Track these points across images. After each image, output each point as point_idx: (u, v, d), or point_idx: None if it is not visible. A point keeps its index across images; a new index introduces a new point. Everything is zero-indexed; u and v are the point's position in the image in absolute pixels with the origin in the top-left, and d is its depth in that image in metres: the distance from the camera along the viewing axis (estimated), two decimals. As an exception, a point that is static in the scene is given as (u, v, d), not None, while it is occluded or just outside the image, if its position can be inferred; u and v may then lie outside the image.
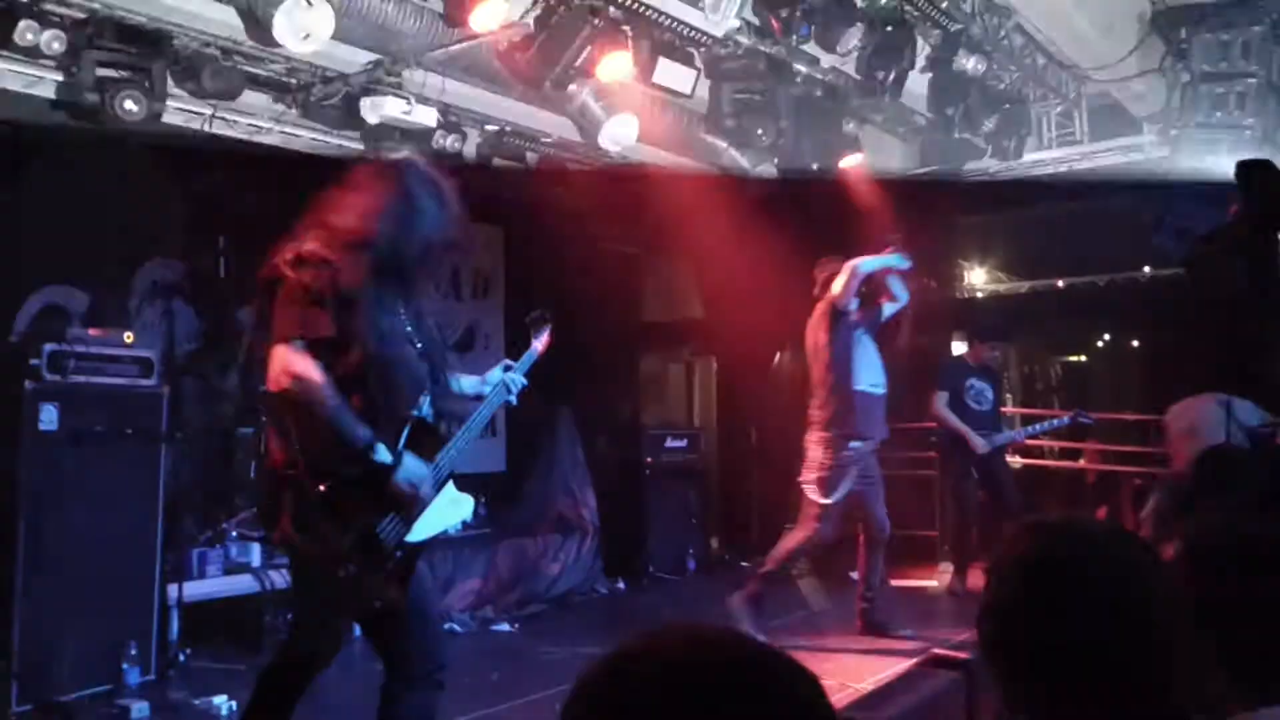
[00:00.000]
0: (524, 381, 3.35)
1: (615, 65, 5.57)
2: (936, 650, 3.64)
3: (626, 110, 6.17)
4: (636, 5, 5.10)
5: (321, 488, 2.63)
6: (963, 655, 3.21)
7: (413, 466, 2.76)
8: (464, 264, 8.63)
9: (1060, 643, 1.25)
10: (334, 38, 4.83)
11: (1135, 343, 11.54)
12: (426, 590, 2.98)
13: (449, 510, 2.96)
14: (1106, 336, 11.91)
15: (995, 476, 7.00)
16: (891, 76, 5.93)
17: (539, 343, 3.53)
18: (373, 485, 2.70)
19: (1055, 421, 7.52)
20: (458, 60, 5.62)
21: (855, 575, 7.87)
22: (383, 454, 2.69)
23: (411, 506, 2.79)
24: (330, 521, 2.64)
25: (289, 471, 2.70)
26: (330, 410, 2.63)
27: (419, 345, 2.91)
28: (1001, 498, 6.99)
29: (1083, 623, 1.24)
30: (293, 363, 2.60)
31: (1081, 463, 8.49)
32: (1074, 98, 7.13)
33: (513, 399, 3.34)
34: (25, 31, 5.08)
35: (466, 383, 3.27)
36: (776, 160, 7.57)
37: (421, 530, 2.85)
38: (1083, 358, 12.54)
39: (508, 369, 3.32)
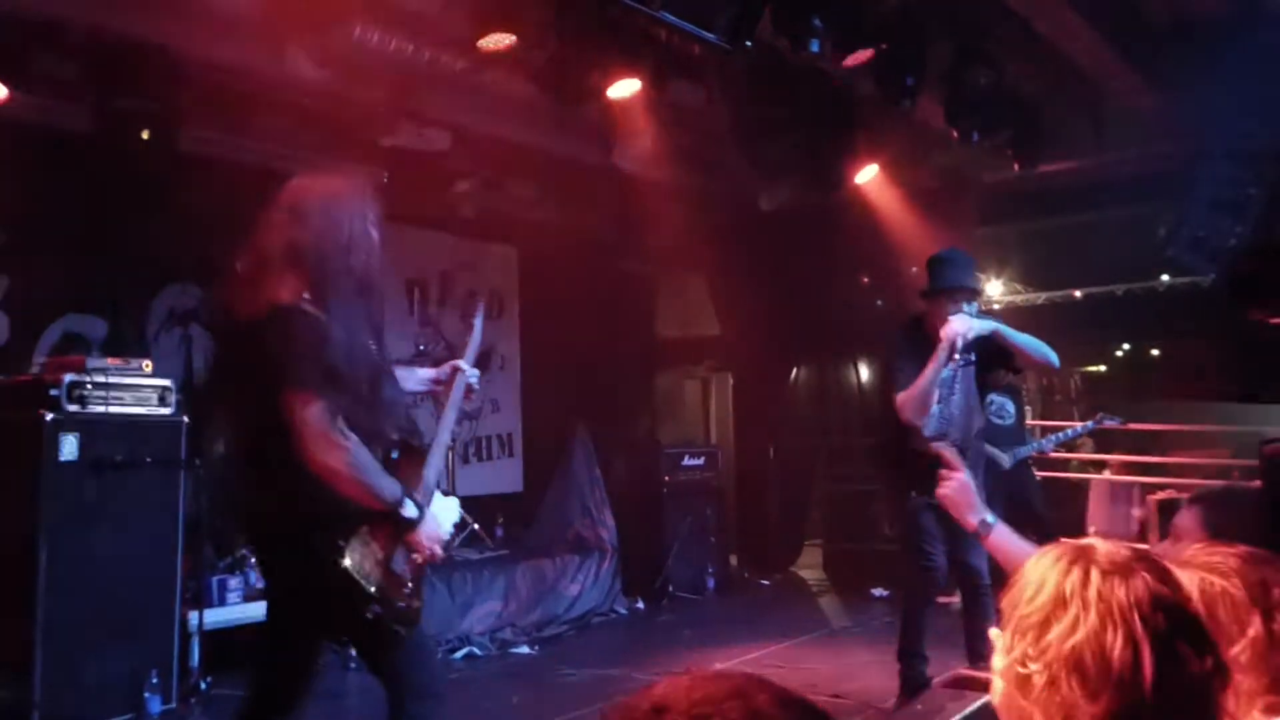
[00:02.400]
0: (477, 373, 3.30)
1: (627, 83, 5.59)
2: (962, 670, 3.60)
3: (640, 127, 6.18)
4: (649, 23, 5.11)
5: (340, 542, 2.62)
6: (988, 675, 3.16)
7: (434, 521, 2.79)
8: (479, 284, 8.66)
9: None
10: (349, 66, 4.86)
11: (1155, 352, 11.47)
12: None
13: (442, 520, 2.94)
14: (1125, 346, 11.84)
15: (1021, 490, 6.89)
16: (907, 89, 5.91)
17: (478, 324, 3.44)
18: (382, 523, 2.70)
19: (1079, 428, 7.38)
20: (469, 85, 5.64)
21: (878, 592, 7.85)
22: (410, 509, 2.70)
23: (426, 549, 2.81)
24: (351, 571, 2.63)
25: (295, 524, 2.69)
26: (363, 472, 2.60)
27: (385, 359, 2.91)
28: (1029, 511, 6.88)
29: None
30: (326, 431, 2.55)
31: (1106, 474, 8.41)
32: (1092, 106, 7.10)
33: (475, 387, 3.29)
34: (44, 61, 5.15)
35: (414, 380, 3.26)
36: (791, 175, 7.58)
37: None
38: (1102, 368, 12.47)
39: (456, 369, 3.25)
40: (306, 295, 2.71)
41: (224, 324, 2.81)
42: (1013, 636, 1.30)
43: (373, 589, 2.65)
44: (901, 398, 4.34)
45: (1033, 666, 1.25)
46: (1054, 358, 4.48)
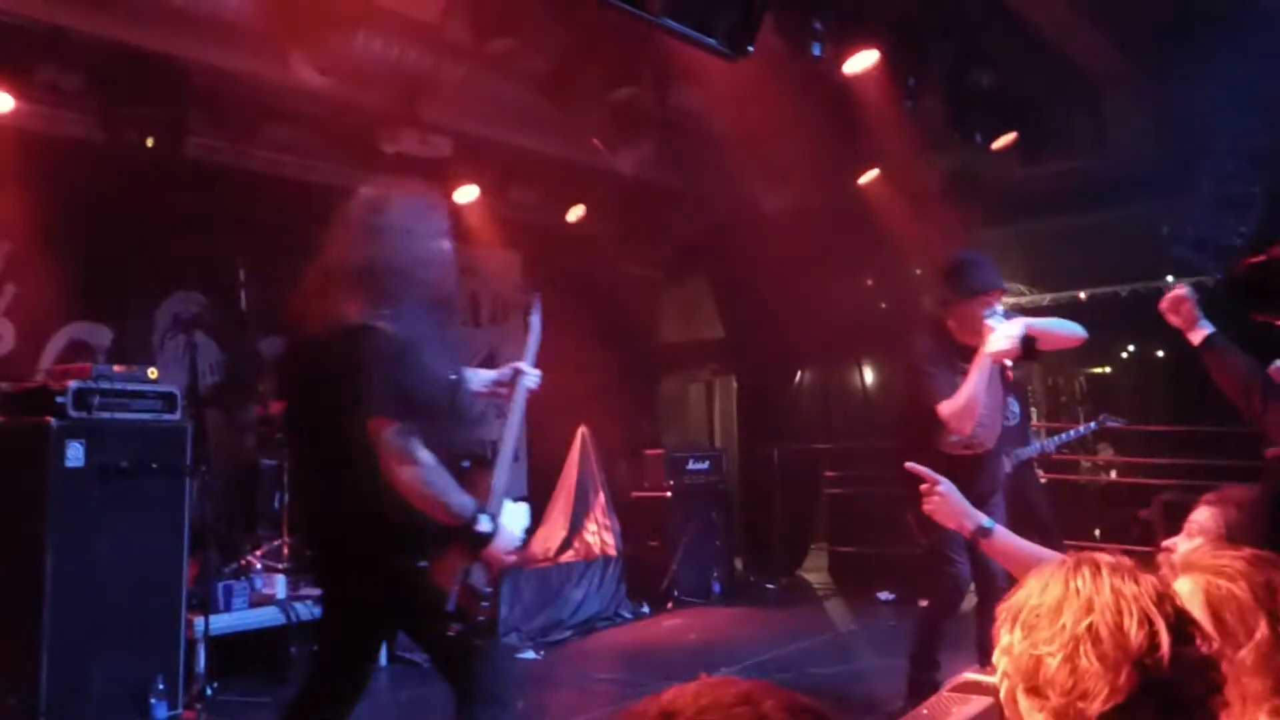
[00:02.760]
0: (539, 374, 3.29)
1: (628, 89, 5.61)
2: (968, 674, 3.59)
3: (644, 132, 6.19)
4: (650, 29, 5.12)
5: (420, 561, 2.65)
6: (995, 679, 3.15)
7: (508, 534, 2.80)
8: (482, 290, 8.68)
9: None
10: (352, 73, 4.87)
11: (1160, 353, 11.42)
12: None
13: (514, 528, 2.94)
14: (1131, 347, 11.81)
15: (1023, 492, 6.82)
16: (908, 90, 5.92)
17: (536, 320, 3.46)
18: (458, 538, 2.71)
19: (1081, 429, 7.32)
20: (471, 91, 5.66)
21: (884, 595, 7.83)
22: (485, 524, 2.71)
23: (501, 561, 2.81)
24: (432, 590, 2.67)
25: (373, 542, 2.71)
26: (440, 490, 2.62)
27: (455, 373, 2.91)
28: (1032, 513, 6.82)
29: None
30: (402, 450, 2.57)
31: (1113, 475, 8.39)
32: (1093, 105, 7.10)
33: (535, 388, 3.28)
34: (48, 70, 5.17)
35: (475, 382, 3.25)
36: (793, 177, 7.58)
37: None
38: (1107, 369, 12.44)
39: (517, 371, 3.25)
40: (383, 310, 2.68)
41: (291, 339, 2.80)
42: (1021, 629, 1.31)
43: (453, 607, 2.67)
44: (947, 409, 4.21)
45: (1045, 649, 1.27)
46: (1080, 330, 4.36)
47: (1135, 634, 1.22)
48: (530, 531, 8.10)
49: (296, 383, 2.89)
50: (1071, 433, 7.23)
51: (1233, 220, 6.38)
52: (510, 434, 3.13)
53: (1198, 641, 1.25)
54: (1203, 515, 2.21)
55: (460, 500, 2.66)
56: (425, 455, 2.60)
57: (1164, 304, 3.76)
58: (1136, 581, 1.27)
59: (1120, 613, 1.23)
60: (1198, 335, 3.71)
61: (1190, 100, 6.26)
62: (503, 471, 2.94)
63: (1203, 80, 5.87)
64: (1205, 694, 1.23)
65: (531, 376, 3.25)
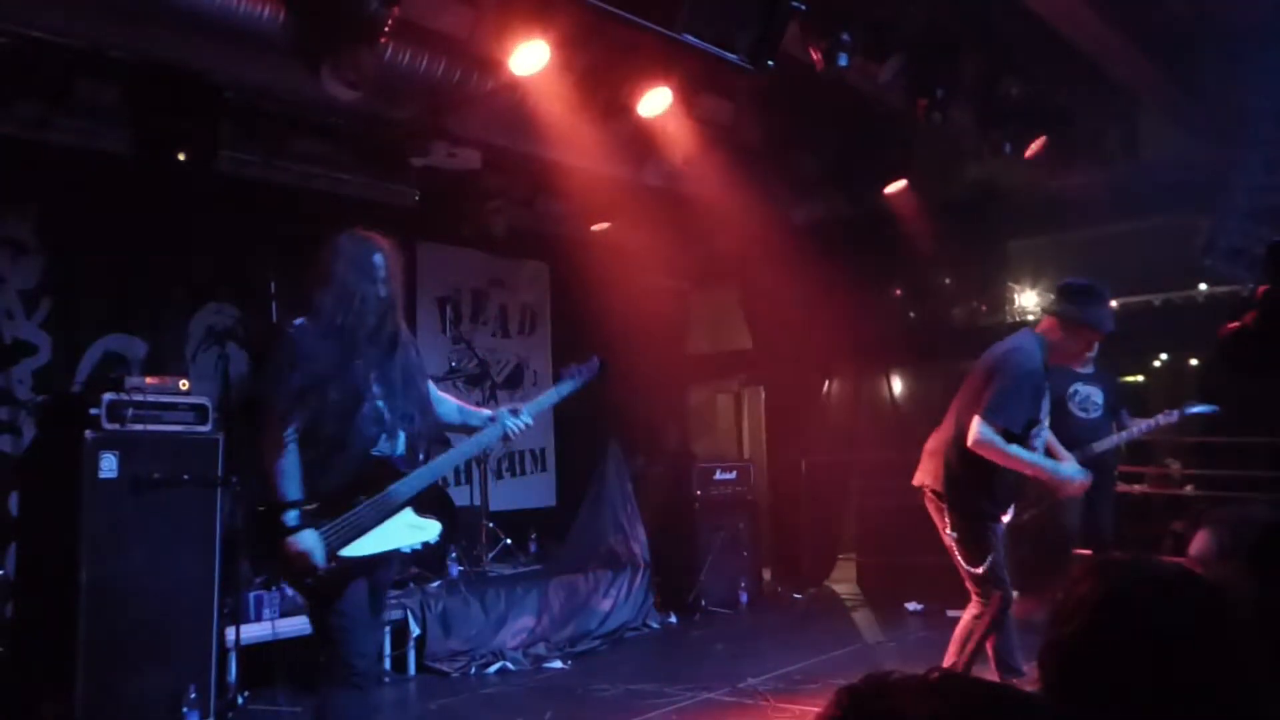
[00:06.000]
0: (526, 422, 3.68)
1: (655, 100, 5.62)
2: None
3: (670, 142, 6.21)
4: (674, 40, 5.13)
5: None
6: (1025, 690, 3.11)
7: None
8: (511, 301, 8.72)
9: (1130, 683, 1.24)
10: (382, 87, 4.91)
11: (1194, 361, 11.29)
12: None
13: (405, 532, 3.39)
14: (1164, 356, 11.68)
15: (1090, 495, 4.96)
16: (938, 101, 5.90)
17: (569, 386, 3.82)
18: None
19: (1160, 419, 5.68)
20: (500, 104, 5.69)
21: (912, 606, 7.78)
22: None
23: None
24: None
25: None
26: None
27: (377, 395, 3.35)
28: (1093, 520, 5.78)
29: (1152, 665, 1.24)
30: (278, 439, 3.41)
31: (1144, 486, 8.26)
32: (1125, 114, 7.04)
33: (512, 435, 3.71)
34: (84, 86, 5.25)
35: (477, 415, 3.76)
36: (822, 188, 7.56)
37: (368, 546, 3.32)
38: (1140, 378, 12.30)
39: (514, 411, 3.66)
40: (305, 318, 3.40)
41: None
42: None
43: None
44: (987, 438, 4.15)
45: None
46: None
47: None
48: (560, 541, 8.16)
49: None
50: (1149, 423, 5.72)
51: (1266, 230, 6.29)
52: (451, 455, 3.68)
53: None
54: (1198, 539, 2.12)
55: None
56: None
57: None
58: None
59: None
60: None
61: (1224, 111, 6.19)
62: (413, 481, 3.37)
63: (1236, 91, 5.80)
64: None
65: (515, 422, 3.64)
